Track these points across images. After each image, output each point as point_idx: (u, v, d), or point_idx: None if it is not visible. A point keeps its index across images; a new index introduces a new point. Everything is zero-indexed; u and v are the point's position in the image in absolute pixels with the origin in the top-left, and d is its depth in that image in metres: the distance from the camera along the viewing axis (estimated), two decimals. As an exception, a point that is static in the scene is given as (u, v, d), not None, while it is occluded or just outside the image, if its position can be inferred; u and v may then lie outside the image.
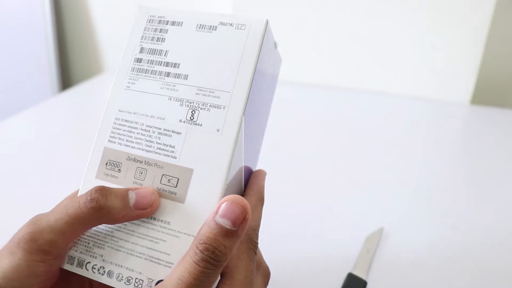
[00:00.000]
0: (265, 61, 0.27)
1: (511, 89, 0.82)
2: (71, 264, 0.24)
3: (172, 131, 0.25)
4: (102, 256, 0.24)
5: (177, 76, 0.25)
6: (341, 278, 0.38)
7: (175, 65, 0.26)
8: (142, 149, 0.25)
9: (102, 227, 0.24)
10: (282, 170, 0.55)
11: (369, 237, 0.42)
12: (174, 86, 0.25)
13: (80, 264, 0.24)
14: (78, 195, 0.25)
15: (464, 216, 0.47)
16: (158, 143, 0.25)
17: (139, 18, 0.27)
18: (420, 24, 0.80)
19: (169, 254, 0.23)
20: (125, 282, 0.23)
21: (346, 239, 0.42)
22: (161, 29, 0.27)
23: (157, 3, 0.94)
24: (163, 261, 0.23)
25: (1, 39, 1.04)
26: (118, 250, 0.23)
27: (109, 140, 0.25)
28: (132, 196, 0.23)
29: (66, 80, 1.12)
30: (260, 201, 0.27)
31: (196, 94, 0.25)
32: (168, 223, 0.23)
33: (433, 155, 0.61)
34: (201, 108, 0.24)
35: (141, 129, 0.25)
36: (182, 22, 0.26)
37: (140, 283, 0.23)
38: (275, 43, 0.29)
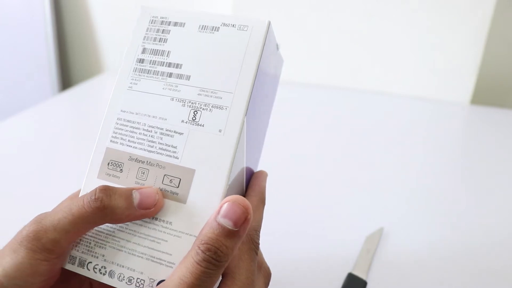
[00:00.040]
0: (267, 62, 0.27)
1: (511, 89, 0.82)
2: (73, 264, 0.24)
3: (174, 132, 0.25)
4: (103, 256, 0.24)
5: (179, 76, 0.25)
6: (341, 278, 0.38)
7: (177, 66, 0.26)
8: (144, 149, 0.25)
9: (104, 227, 0.24)
10: (282, 170, 0.55)
11: (369, 237, 0.42)
12: (176, 86, 0.25)
13: (82, 264, 0.24)
14: (80, 195, 0.25)
15: (464, 216, 0.47)
16: (160, 144, 0.25)
17: (142, 19, 0.27)
18: (420, 24, 0.80)
19: (170, 254, 0.23)
20: (126, 282, 0.23)
21: (346, 239, 0.43)
22: (163, 29, 0.27)
23: (157, 3, 0.94)
24: (165, 261, 0.23)
25: (1, 39, 1.04)
26: (119, 250, 0.23)
27: (111, 140, 0.25)
28: (136, 196, 0.23)
29: (66, 80, 1.12)
30: (262, 202, 0.27)
31: (198, 94, 0.25)
32: (170, 223, 0.23)
33: (433, 155, 0.61)
34: (203, 109, 0.25)
35: (143, 129, 0.25)
36: (184, 23, 0.27)
37: (141, 283, 0.23)
38: (277, 45, 0.29)
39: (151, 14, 0.27)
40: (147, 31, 0.27)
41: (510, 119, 0.76)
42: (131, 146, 0.25)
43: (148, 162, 0.24)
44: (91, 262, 0.24)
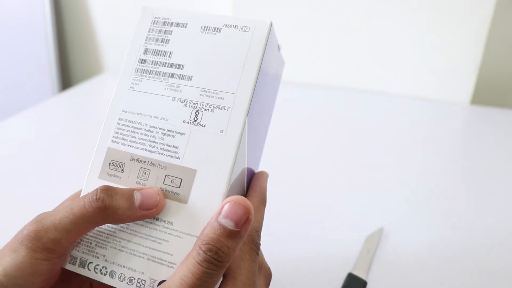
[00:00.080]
0: (269, 63, 0.27)
1: (511, 89, 0.82)
2: (73, 264, 0.24)
3: (176, 132, 0.25)
4: (104, 256, 0.24)
5: (181, 77, 0.25)
6: (341, 278, 0.38)
7: (179, 66, 0.26)
8: (146, 150, 0.25)
9: (105, 227, 0.24)
10: (282, 170, 0.55)
11: (369, 237, 0.42)
12: (178, 87, 0.25)
13: (82, 264, 0.24)
14: (81, 195, 0.25)
15: (464, 216, 0.47)
16: (162, 144, 0.25)
17: (143, 19, 0.27)
18: (420, 24, 0.80)
19: (171, 255, 0.23)
20: (127, 283, 0.23)
21: (346, 239, 0.43)
22: (165, 30, 0.27)
23: (158, 3, 0.94)
24: (166, 261, 0.23)
25: (1, 39, 1.04)
26: (120, 250, 0.24)
27: (112, 140, 0.25)
28: (137, 197, 0.23)
29: (66, 80, 1.12)
30: (263, 202, 0.27)
31: (200, 95, 0.25)
32: (171, 223, 0.23)
33: (433, 155, 0.61)
34: (204, 109, 0.25)
35: (145, 130, 0.25)
36: (186, 24, 0.27)
37: (142, 284, 0.23)
38: (278, 46, 0.29)
39: (153, 14, 0.27)
40: (149, 31, 0.27)
41: (510, 119, 0.76)
42: (132, 146, 0.25)
43: (150, 162, 0.25)
44: (92, 262, 0.24)
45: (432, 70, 0.83)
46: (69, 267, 0.24)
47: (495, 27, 0.77)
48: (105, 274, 0.23)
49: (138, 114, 0.25)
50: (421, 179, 0.55)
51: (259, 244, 0.25)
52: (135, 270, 0.23)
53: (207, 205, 0.23)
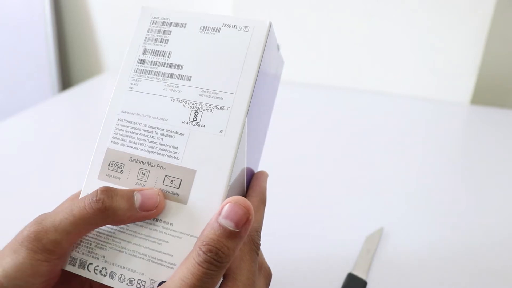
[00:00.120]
0: (268, 63, 0.27)
1: (511, 89, 0.82)
2: (73, 265, 0.24)
3: (175, 132, 0.25)
4: (104, 257, 0.24)
5: (180, 77, 0.25)
6: (341, 278, 0.38)
7: (178, 67, 0.26)
8: (145, 150, 0.25)
9: (105, 228, 0.24)
10: (282, 170, 0.55)
11: (369, 237, 0.42)
12: (177, 87, 0.25)
13: (82, 265, 0.24)
14: (81, 195, 0.25)
15: (464, 216, 0.47)
16: (161, 144, 0.25)
17: (142, 20, 0.27)
18: (420, 24, 0.80)
19: (171, 255, 0.23)
20: (127, 283, 0.23)
21: (346, 239, 0.43)
22: (164, 30, 0.27)
23: (158, 3, 0.94)
24: (166, 262, 0.23)
25: (1, 39, 1.04)
26: (120, 251, 0.24)
27: (111, 141, 0.25)
28: (137, 198, 0.23)
29: (66, 80, 1.12)
30: (262, 202, 0.27)
31: (199, 95, 0.25)
32: (171, 224, 0.23)
33: (433, 155, 0.61)
34: (204, 109, 0.25)
35: (144, 130, 0.25)
36: (185, 24, 0.26)
37: (142, 284, 0.23)
38: (278, 45, 0.29)
39: (152, 14, 0.27)
40: (148, 31, 0.27)
41: (510, 119, 0.76)
42: (131, 147, 0.25)
43: (149, 163, 0.24)
44: (91, 264, 0.24)
45: (432, 70, 0.83)
46: (69, 268, 0.24)
47: (495, 27, 0.77)
48: (105, 275, 0.23)
49: (137, 114, 0.25)
50: (421, 179, 0.55)
51: (259, 244, 0.25)
52: (135, 271, 0.23)
53: (206, 206, 0.23)
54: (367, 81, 0.87)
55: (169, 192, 0.24)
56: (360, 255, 0.40)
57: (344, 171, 0.56)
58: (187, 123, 0.25)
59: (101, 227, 0.24)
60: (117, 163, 0.25)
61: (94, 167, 0.25)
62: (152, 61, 0.26)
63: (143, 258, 0.23)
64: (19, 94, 1.07)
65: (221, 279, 0.22)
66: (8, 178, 0.52)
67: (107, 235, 0.24)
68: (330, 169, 0.57)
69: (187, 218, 0.23)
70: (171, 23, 0.27)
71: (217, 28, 0.26)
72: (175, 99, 0.25)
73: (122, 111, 0.26)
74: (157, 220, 0.24)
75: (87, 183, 0.25)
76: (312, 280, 0.38)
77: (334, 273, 0.38)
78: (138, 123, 0.25)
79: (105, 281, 0.23)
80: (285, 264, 0.39)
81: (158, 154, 0.24)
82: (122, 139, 0.25)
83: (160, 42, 0.26)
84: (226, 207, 0.21)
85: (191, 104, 0.25)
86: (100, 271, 0.24)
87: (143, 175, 0.24)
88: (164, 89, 0.25)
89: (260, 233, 0.25)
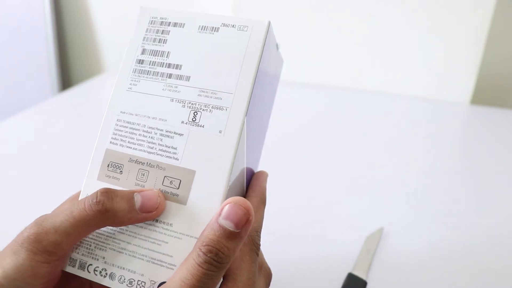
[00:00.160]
0: (267, 63, 0.27)
1: (511, 89, 0.82)
2: (73, 266, 0.24)
3: (174, 133, 0.25)
4: (104, 258, 0.24)
5: (179, 77, 0.25)
6: (341, 278, 0.38)
7: (177, 67, 0.26)
8: (144, 151, 0.25)
9: (104, 229, 0.24)
10: (282, 170, 0.55)
11: (369, 237, 0.42)
12: (176, 87, 0.25)
13: (82, 267, 0.24)
14: (80, 196, 0.25)
15: (464, 216, 0.47)
16: (160, 145, 0.25)
17: (141, 20, 0.27)
18: (420, 24, 0.80)
19: (171, 256, 0.23)
20: (127, 284, 0.23)
21: (346, 239, 0.43)
22: (163, 30, 0.27)
23: (158, 3, 0.94)
24: (166, 263, 0.23)
25: (1, 39, 1.04)
26: (120, 252, 0.23)
27: (110, 142, 0.25)
28: (138, 199, 0.23)
29: (66, 80, 1.12)
30: (262, 202, 0.27)
31: (198, 95, 0.25)
32: (171, 225, 0.23)
33: (433, 155, 0.61)
34: (203, 110, 0.24)
35: (143, 131, 0.25)
36: (184, 24, 0.26)
37: (142, 285, 0.23)
38: (277, 45, 0.29)
39: (150, 14, 0.27)
40: (146, 31, 0.27)
41: (510, 119, 0.76)
42: (131, 148, 0.25)
43: (148, 163, 0.24)
44: (91, 265, 0.24)
45: (432, 70, 0.83)
46: (69, 269, 0.24)
47: (495, 27, 0.77)
48: (105, 276, 0.23)
49: (136, 115, 0.25)
50: (421, 179, 0.55)
51: (259, 245, 0.25)
52: (135, 272, 0.23)
53: (206, 206, 0.23)
54: (367, 81, 0.87)
55: (168, 192, 0.24)
56: (360, 255, 0.40)
57: (344, 171, 0.56)
58: (186, 123, 0.25)
59: (101, 228, 0.24)
60: (116, 164, 0.25)
61: (94, 167, 0.25)
62: (150, 61, 0.26)
63: (143, 259, 0.23)
64: (19, 94, 1.07)
65: (221, 279, 0.22)
66: (8, 178, 0.52)
67: (107, 236, 0.24)
68: (330, 169, 0.57)
69: (187, 219, 0.23)
70: (170, 23, 0.27)
71: (215, 27, 0.26)
72: (174, 99, 0.25)
73: (121, 112, 0.26)
74: (156, 221, 0.24)
75: (86, 183, 0.25)
76: (312, 280, 0.38)
77: (334, 273, 0.38)
78: (137, 123, 0.25)
79: (105, 282, 0.23)
80: (285, 264, 0.39)
81: (158, 154, 0.24)
82: (121, 140, 0.25)
83: (159, 42, 0.26)
84: (226, 207, 0.21)
85: (190, 104, 0.25)
86: (100, 272, 0.24)
87: (142, 176, 0.24)
88: (163, 89, 0.25)
89: (260, 233, 0.25)
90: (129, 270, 0.23)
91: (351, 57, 0.86)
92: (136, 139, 0.25)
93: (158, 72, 0.26)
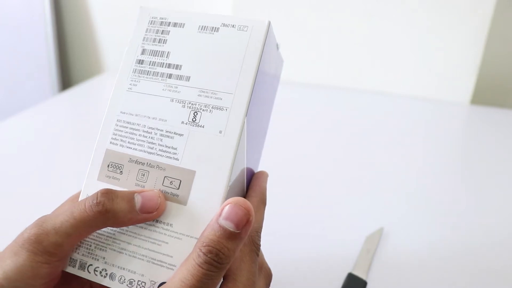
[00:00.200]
0: (267, 63, 0.27)
1: (511, 89, 0.82)
2: (73, 267, 0.24)
3: (174, 133, 0.25)
4: (104, 258, 0.24)
5: (179, 77, 0.25)
6: (341, 278, 0.38)
7: (177, 67, 0.26)
8: (144, 151, 0.25)
9: (105, 229, 0.24)
10: (282, 170, 0.55)
11: (369, 237, 0.42)
12: (176, 87, 0.25)
13: (82, 267, 0.24)
14: (80, 197, 0.25)
15: (464, 216, 0.47)
16: (160, 145, 0.25)
17: (141, 20, 0.27)
18: (420, 24, 0.80)
19: (171, 256, 0.23)
20: (127, 285, 0.23)
21: (346, 239, 0.43)
22: (163, 30, 0.27)
23: (157, 3, 0.94)
24: (166, 263, 0.23)
25: (1, 39, 1.04)
26: (120, 252, 0.23)
27: (111, 142, 0.25)
28: (138, 199, 0.23)
29: (66, 80, 1.12)
30: (263, 203, 0.27)
31: (198, 95, 0.25)
32: (171, 225, 0.23)
33: (433, 155, 0.61)
34: (203, 110, 0.24)
35: (143, 131, 0.25)
36: (184, 24, 0.26)
37: (142, 285, 0.23)
38: (277, 45, 0.29)
39: (150, 14, 0.27)
40: (146, 32, 0.27)
41: (510, 119, 0.76)
42: (131, 148, 0.25)
43: (148, 163, 0.24)
44: (91, 265, 0.24)
45: (432, 70, 0.83)
46: (69, 269, 0.24)
47: (495, 27, 0.77)
48: (105, 276, 0.23)
49: (136, 115, 0.25)
50: (421, 179, 0.55)
51: (259, 245, 0.25)
52: (135, 272, 0.23)
53: (206, 206, 0.23)
54: (367, 81, 0.87)
55: (168, 193, 0.24)
56: (360, 255, 0.40)
57: (344, 171, 0.56)
58: (186, 123, 0.24)
59: (101, 229, 0.24)
60: (116, 164, 0.25)
61: (94, 168, 0.25)
62: (150, 61, 0.26)
63: (143, 259, 0.23)
64: (19, 94, 1.07)
65: (221, 280, 0.22)
66: (8, 178, 0.52)
67: (107, 236, 0.24)
68: (330, 169, 0.57)
69: (187, 219, 0.23)
70: (170, 23, 0.27)
71: (215, 27, 0.26)
72: (174, 100, 0.25)
73: (121, 112, 0.26)
74: (157, 221, 0.24)
75: (86, 184, 0.25)
76: (312, 280, 0.38)
77: (334, 273, 0.38)
78: (137, 123, 0.25)
79: (105, 282, 0.23)
80: (285, 264, 0.39)
81: (158, 155, 0.24)
82: (122, 140, 0.25)
83: (159, 42, 0.26)
84: (227, 208, 0.21)
85: (190, 105, 0.25)
86: (100, 272, 0.24)
87: (142, 176, 0.24)
88: (163, 89, 0.25)
89: (260, 233, 0.25)
90: (129, 271, 0.23)
91: (351, 57, 0.86)
92: (136, 139, 0.25)
93: (158, 72, 0.26)
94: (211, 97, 0.25)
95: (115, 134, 0.25)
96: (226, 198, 0.23)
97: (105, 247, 0.24)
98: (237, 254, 0.23)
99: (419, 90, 0.85)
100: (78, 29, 1.05)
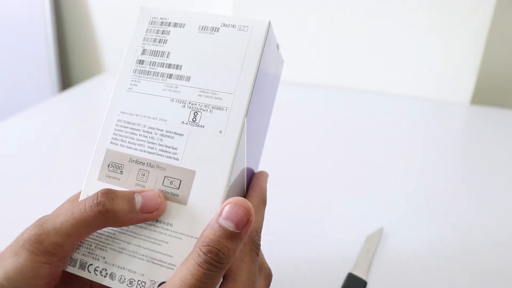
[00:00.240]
0: (268, 63, 0.27)
1: (511, 89, 0.82)
2: (74, 267, 0.24)
3: (174, 133, 0.25)
4: (104, 258, 0.24)
5: (179, 77, 0.25)
6: (341, 278, 0.38)
7: (177, 67, 0.26)
8: (144, 151, 0.25)
9: (105, 229, 0.24)
10: (282, 170, 0.55)
11: (369, 237, 0.42)
12: (177, 87, 0.25)
13: (83, 266, 0.24)
14: (81, 197, 0.25)
15: (464, 216, 0.47)
16: (160, 145, 0.25)
17: (141, 20, 0.27)
18: (420, 24, 0.80)
19: (171, 256, 0.23)
20: (127, 284, 0.23)
21: (346, 239, 0.43)
22: (163, 30, 0.27)
23: (158, 3, 0.94)
24: (166, 263, 0.23)
25: (1, 39, 1.04)
26: (120, 252, 0.24)
27: (111, 142, 0.25)
28: (138, 199, 0.23)
29: (66, 80, 1.12)
30: (263, 202, 0.27)
31: (199, 95, 0.25)
32: (171, 225, 0.23)
33: (433, 155, 0.61)
34: (203, 110, 0.25)
35: (143, 131, 0.25)
36: (184, 24, 0.26)
37: (142, 285, 0.23)
38: (277, 45, 0.29)
39: (150, 14, 0.27)
40: (146, 32, 0.27)
41: (510, 119, 0.76)
42: (131, 148, 0.25)
43: (149, 163, 0.24)
44: (92, 265, 0.24)
45: (432, 70, 0.83)
46: (70, 269, 0.24)
47: (495, 27, 0.77)
48: (105, 276, 0.23)
49: (136, 115, 0.25)
50: (421, 179, 0.55)
51: (259, 245, 0.25)
52: (135, 272, 0.23)
53: (206, 206, 0.23)
54: (367, 81, 0.87)
55: (168, 193, 0.24)
56: (360, 255, 0.40)
57: (344, 171, 0.56)
58: (186, 123, 0.25)
59: (102, 229, 0.24)
60: (116, 164, 0.25)
61: (94, 168, 0.25)
62: (151, 61, 0.26)
63: (143, 259, 0.23)
64: (19, 94, 1.07)
65: (221, 279, 0.22)
66: (8, 178, 0.52)
67: (107, 236, 0.24)
68: (330, 169, 0.57)
69: (187, 219, 0.23)
70: (170, 23, 0.27)
71: (216, 28, 0.26)
72: (174, 100, 0.25)
73: (121, 112, 0.26)
74: (157, 221, 0.24)
75: (87, 184, 0.25)
76: (312, 280, 0.38)
77: (334, 273, 0.38)
78: (138, 123, 0.25)
79: (106, 282, 0.23)
80: (285, 264, 0.39)
81: (158, 155, 0.24)
82: (122, 140, 0.25)
83: (159, 42, 0.26)
84: (227, 208, 0.21)
85: (190, 105, 0.25)
86: (101, 272, 0.24)
87: (142, 176, 0.24)
88: (163, 89, 0.25)
89: (260, 233, 0.25)
90: (129, 270, 0.23)
91: (351, 57, 0.86)
92: (137, 139, 0.25)
93: (158, 72, 0.26)
94: (211, 97, 0.25)
95: (116, 134, 0.25)
96: (226, 198, 0.23)
97: (105, 246, 0.24)
98: (237, 254, 0.23)
99: (419, 90, 0.85)
100: (78, 29, 1.05)
